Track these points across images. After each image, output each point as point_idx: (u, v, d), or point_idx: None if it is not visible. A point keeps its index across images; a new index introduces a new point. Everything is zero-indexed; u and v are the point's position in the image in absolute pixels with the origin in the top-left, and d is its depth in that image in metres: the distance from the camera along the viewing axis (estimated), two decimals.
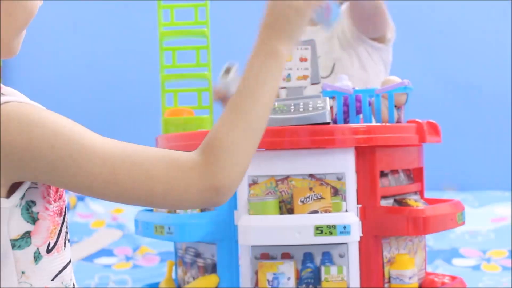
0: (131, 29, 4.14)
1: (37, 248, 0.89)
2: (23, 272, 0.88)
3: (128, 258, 3.32)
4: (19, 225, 0.88)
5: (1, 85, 0.90)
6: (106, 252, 3.34)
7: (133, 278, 3.06)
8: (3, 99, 0.84)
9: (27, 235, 0.88)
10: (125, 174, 0.86)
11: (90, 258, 3.13)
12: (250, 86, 0.94)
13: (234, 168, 0.91)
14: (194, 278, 1.58)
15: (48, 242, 0.90)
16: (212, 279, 1.49)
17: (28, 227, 0.88)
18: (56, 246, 0.92)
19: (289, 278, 1.41)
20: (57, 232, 0.91)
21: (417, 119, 1.56)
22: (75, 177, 0.85)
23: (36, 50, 3.89)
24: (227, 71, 1.89)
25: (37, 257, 0.89)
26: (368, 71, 1.97)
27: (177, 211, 1.51)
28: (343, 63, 1.94)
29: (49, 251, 0.91)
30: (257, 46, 0.96)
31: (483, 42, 3.97)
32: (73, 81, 4.18)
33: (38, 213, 0.89)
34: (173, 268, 1.73)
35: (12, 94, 0.88)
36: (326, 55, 1.95)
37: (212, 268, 1.52)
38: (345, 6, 1.98)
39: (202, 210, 1.56)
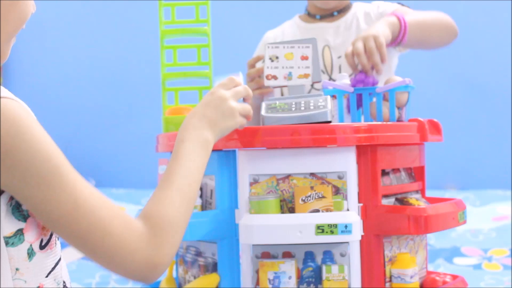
0: (132, 28, 4.14)
1: (30, 245, 0.90)
2: (17, 269, 0.89)
3: None
4: (11, 223, 0.88)
5: None
6: None
7: None
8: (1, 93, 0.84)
9: (19, 232, 0.89)
10: (86, 214, 0.88)
11: None
12: (187, 167, 1.05)
13: (174, 245, 0.96)
14: (195, 277, 1.58)
15: (41, 239, 0.91)
16: (213, 278, 1.49)
17: (20, 224, 0.89)
18: (49, 243, 0.93)
19: (290, 277, 1.40)
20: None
21: (418, 118, 1.55)
22: (39, 198, 0.86)
23: (35, 46, 3.89)
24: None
25: (30, 253, 0.90)
26: (391, 68, 1.97)
27: None
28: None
29: (42, 247, 0.92)
30: (190, 131, 1.10)
31: (486, 41, 3.97)
32: (73, 80, 4.18)
33: (28, 210, 0.90)
34: (174, 267, 1.72)
35: (1, 92, 0.88)
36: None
37: (213, 267, 1.52)
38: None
39: (202, 209, 1.56)
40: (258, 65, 1.86)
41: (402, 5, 1.97)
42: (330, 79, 1.92)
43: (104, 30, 4.16)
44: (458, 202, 1.56)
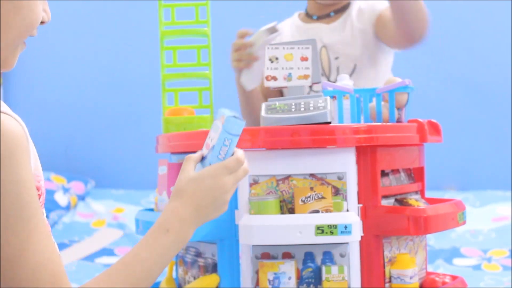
0: (132, 28, 4.14)
1: None
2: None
3: None
4: None
5: None
6: (107, 251, 3.33)
7: None
8: None
9: None
10: (23, 269, 0.83)
11: (91, 257, 3.13)
12: (139, 253, 0.94)
13: None
14: (194, 278, 1.58)
15: None
16: (213, 278, 1.49)
17: None
18: None
19: (290, 278, 1.40)
20: None
21: (418, 119, 1.55)
22: None
23: (36, 47, 3.89)
24: (272, 30, 1.77)
25: None
26: (388, 65, 1.96)
27: None
28: (363, 64, 1.92)
29: None
30: (179, 224, 0.97)
31: (486, 41, 3.97)
32: (73, 80, 4.18)
33: None
34: (174, 267, 1.72)
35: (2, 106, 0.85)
36: (346, 56, 1.92)
37: (212, 268, 1.52)
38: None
39: None
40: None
41: None
42: (328, 80, 1.92)
43: (104, 30, 4.16)
44: (458, 203, 1.56)
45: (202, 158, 1.04)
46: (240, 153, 1.03)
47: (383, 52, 1.94)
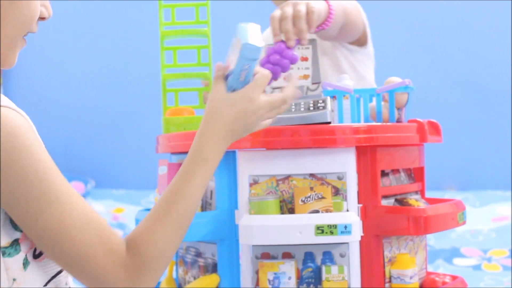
0: (132, 29, 4.14)
1: (25, 255, 0.89)
2: (14, 279, 0.88)
3: None
4: (8, 233, 0.87)
5: None
6: None
7: None
8: None
9: (15, 242, 0.88)
10: (69, 239, 0.86)
11: None
12: (193, 196, 0.96)
13: (156, 279, 0.92)
14: (195, 278, 1.58)
15: (34, 248, 0.90)
16: (213, 278, 1.49)
17: (17, 234, 0.88)
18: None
19: (290, 278, 1.41)
20: None
21: (418, 119, 1.55)
22: (26, 217, 0.85)
23: (36, 47, 3.89)
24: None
25: (25, 263, 0.89)
26: (349, 74, 1.88)
27: None
28: (324, 71, 1.88)
29: (36, 256, 0.90)
30: (216, 149, 0.98)
31: (486, 41, 3.97)
32: (73, 80, 4.18)
33: None
34: (174, 267, 1.72)
35: (1, 100, 0.86)
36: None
37: (212, 268, 1.52)
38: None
39: (202, 210, 1.56)
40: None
41: None
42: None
43: (104, 31, 4.16)
44: (458, 203, 1.56)
45: (226, 76, 1.05)
46: (267, 73, 1.05)
47: (345, 56, 1.89)
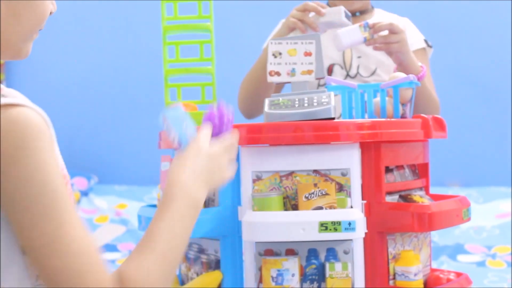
0: (134, 24, 4.13)
1: None
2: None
3: None
4: None
5: (1, 86, 0.88)
6: (110, 247, 3.34)
7: None
8: (7, 100, 0.82)
9: None
10: (62, 256, 0.83)
11: None
12: (173, 230, 0.93)
13: None
14: (197, 274, 1.57)
15: None
16: (216, 275, 1.48)
17: None
18: None
19: (293, 275, 1.40)
20: None
21: (422, 114, 1.54)
22: (24, 222, 0.82)
23: (38, 42, 3.89)
24: (347, 15, 1.75)
25: None
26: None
27: None
28: (384, 70, 1.94)
29: None
30: (180, 189, 0.96)
31: (490, 38, 3.96)
32: (75, 76, 4.17)
33: None
34: None
35: (13, 96, 0.86)
36: (369, 57, 1.94)
37: (215, 264, 1.51)
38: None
39: (205, 206, 1.55)
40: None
41: (427, 44, 2.00)
42: (347, 75, 1.93)
43: (106, 26, 4.15)
44: (462, 199, 1.55)
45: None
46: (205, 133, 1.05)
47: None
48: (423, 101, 1.80)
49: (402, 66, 1.75)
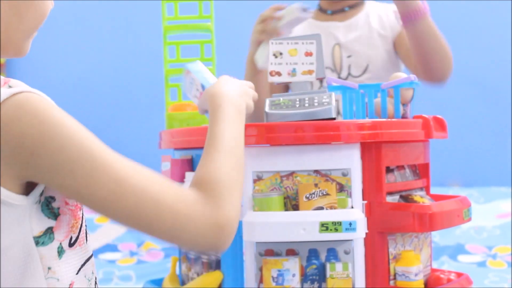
0: (135, 24, 4.13)
1: (60, 243, 0.89)
2: (49, 268, 0.88)
3: (132, 254, 3.32)
4: (41, 222, 0.87)
5: (9, 78, 0.90)
6: (111, 247, 3.34)
7: (137, 274, 3.06)
8: (14, 90, 0.84)
9: (49, 230, 0.88)
10: (131, 190, 0.84)
11: (94, 253, 3.12)
12: (229, 130, 1.04)
13: (234, 205, 0.91)
14: (198, 274, 1.57)
15: (70, 236, 0.91)
16: (216, 275, 1.48)
17: (50, 222, 0.88)
18: (78, 240, 0.92)
19: (294, 275, 1.40)
20: (79, 226, 0.91)
21: (423, 115, 1.54)
22: (78, 184, 0.83)
23: (38, 42, 3.89)
24: (304, 9, 1.76)
25: (60, 251, 0.89)
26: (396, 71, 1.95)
27: None
28: (376, 65, 1.92)
29: (71, 245, 0.91)
30: (226, 98, 1.11)
31: (491, 38, 3.95)
32: (75, 76, 4.17)
33: (58, 208, 0.89)
34: (177, 264, 1.72)
35: (20, 86, 0.88)
36: (359, 55, 1.92)
37: (216, 265, 1.51)
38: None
39: None
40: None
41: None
42: (339, 77, 1.92)
43: (107, 26, 4.15)
44: (463, 199, 1.55)
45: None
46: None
47: (398, 58, 1.95)
48: (432, 43, 1.73)
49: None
